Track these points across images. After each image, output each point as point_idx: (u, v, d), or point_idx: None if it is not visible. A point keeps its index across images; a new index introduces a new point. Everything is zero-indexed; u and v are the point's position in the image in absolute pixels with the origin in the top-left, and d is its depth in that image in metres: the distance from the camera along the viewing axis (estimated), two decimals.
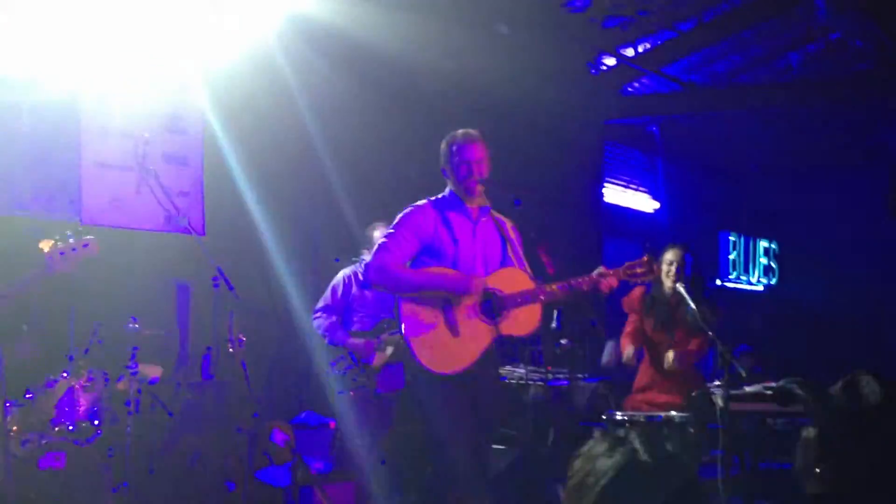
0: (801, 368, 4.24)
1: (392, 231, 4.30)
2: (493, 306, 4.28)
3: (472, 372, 4.20)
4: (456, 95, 7.42)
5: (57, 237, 4.43)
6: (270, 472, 5.43)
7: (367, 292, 5.90)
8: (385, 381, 5.71)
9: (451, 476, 4.18)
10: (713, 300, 5.60)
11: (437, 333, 4.20)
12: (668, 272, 5.49)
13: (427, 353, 4.15)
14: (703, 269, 5.69)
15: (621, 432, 1.84)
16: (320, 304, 6.01)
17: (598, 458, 1.79)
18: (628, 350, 5.56)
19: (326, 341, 5.91)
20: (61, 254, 4.37)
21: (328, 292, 6.02)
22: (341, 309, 5.98)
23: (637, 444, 1.78)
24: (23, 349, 4.80)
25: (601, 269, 4.40)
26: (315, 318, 5.98)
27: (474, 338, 4.26)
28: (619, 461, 1.76)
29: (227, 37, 6.29)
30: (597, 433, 5.31)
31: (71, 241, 4.43)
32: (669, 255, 5.55)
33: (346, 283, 6.00)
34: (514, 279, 4.36)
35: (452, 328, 4.22)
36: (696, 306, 5.14)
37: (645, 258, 4.41)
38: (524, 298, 4.31)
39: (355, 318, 5.95)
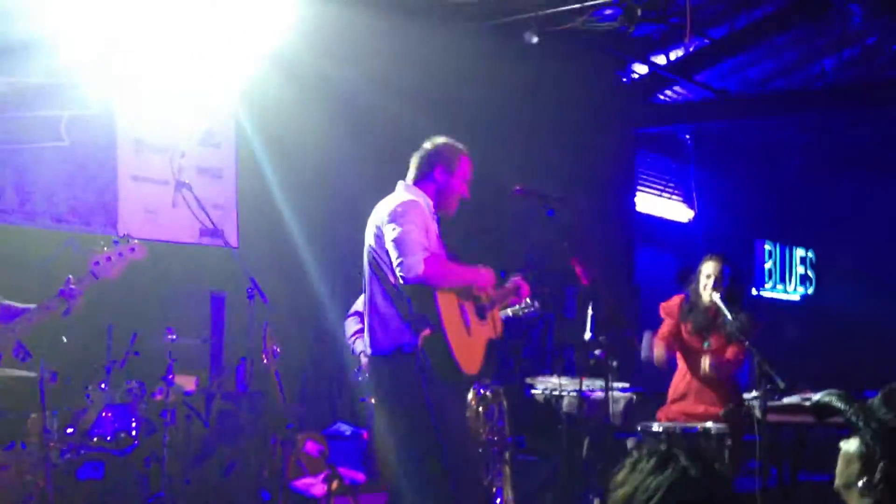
0: (839, 379, 4.19)
1: (411, 225, 4.06)
2: (483, 307, 4.30)
3: (477, 375, 4.22)
4: (488, 106, 7.43)
5: (102, 243, 4.44)
6: (305, 483, 5.44)
7: None
8: None
9: (470, 478, 4.12)
10: (752, 311, 5.53)
11: (461, 332, 4.15)
12: (705, 285, 5.41)
13: (457, 352, 4.06)
14: (742, 279, 5.62)
15: (664, 447, 1.83)
16: (352, 309, 5.99)
17: (647, 474, 1.78)
18: (659, 350, 5.50)
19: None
20: (108, 259, 4.37)
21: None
22: None
23: (685, 461, 1.78)
24: (62, 360, 4.86)
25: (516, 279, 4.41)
26: (346, 321, 5.96)
27: (479, 338, 4.26)
28: (671, 478, 1.75)
29: (261, 51, 6.35)
30: (632, 444, 5.27)
31: (117, 246, 4.42)
32: (707, 268, 5.46)
33: None
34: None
35: (467, 328, 4.20)
36: (734, 317, 5.09)
37: (510, 284, 4.38)
38: (503, 299, 4.33)
39: None
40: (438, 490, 4.04)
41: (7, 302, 4.44)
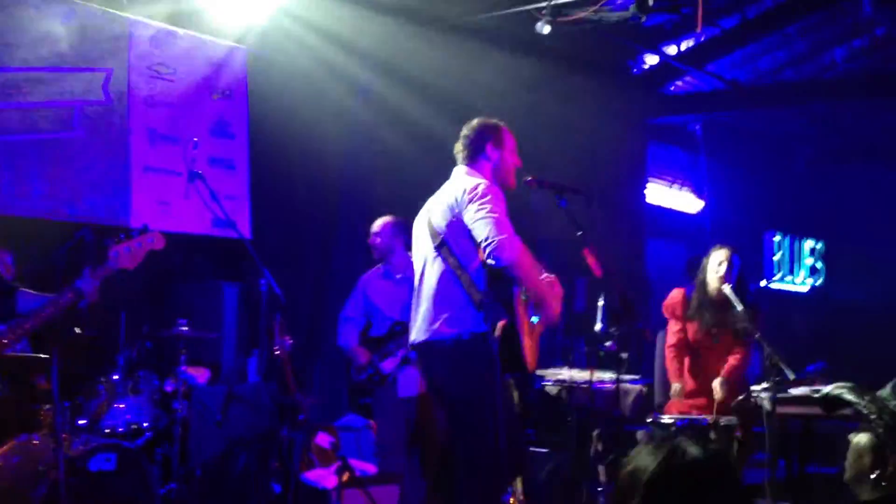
0: (848, 372, 4.18)
1: (497, 206, 3.98)
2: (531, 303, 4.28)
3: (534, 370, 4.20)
4: (498, 96, 7.42)
5: (121, 233, 4.42)
6: (316, 475, 5.46)
7: (376, 295, 5.85)
8: (405, 386, 5.68)
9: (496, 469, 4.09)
10: (756, 305, 5.53)
11: (526, 326, 4.10)
12: (717, 272, 5.41)
13: (525, 345, 4.02)
14: (747, 276, 5.62)
15: (671, 433, 1.84)
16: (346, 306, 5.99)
17: (647, 454, 1.79)
18: (675, 387, 5.51)
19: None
20: (126, 249, 4.36)
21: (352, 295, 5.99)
22: (364, 312, 5.93)
23: (683, 442, 1.78)
24: (74, 351, 4.87)
25: None
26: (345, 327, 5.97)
27: (535, 334, 4.21)
28: (664, 455, 1.76)
29: (273, 41, 6.35)
30: (642, 436, 5.27)
31: (136, 235, 4.40)
32: (718, 255, 5.47)
33: (368, 287, 5.93)
34: None
35: (530, 323, 4.16)
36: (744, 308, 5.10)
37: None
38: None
39: (373, 323, 5.93)
40: (487, 478, 4.00)
41: (29, 291, 4.45)
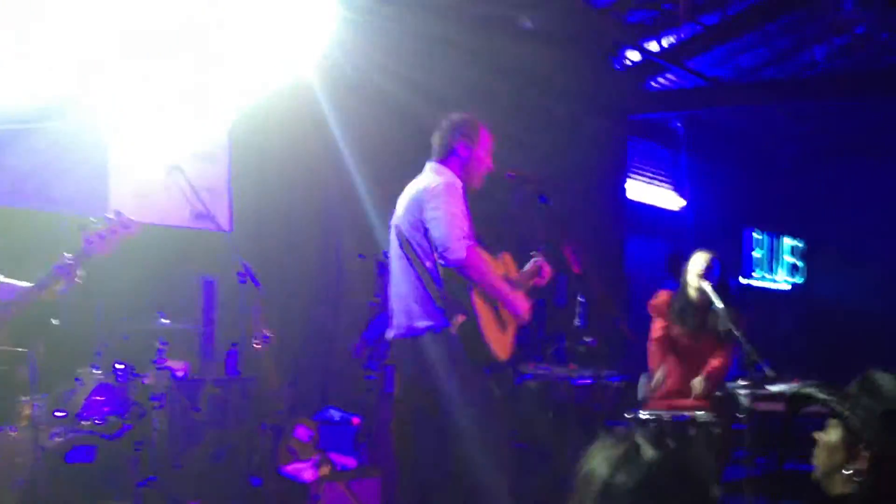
0: (829, 369, 4.22)
1: (453, 206, 4.01)
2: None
3: (509, 361, 4.22)
4: (477, 91, 7.41)
5: (95, 222, 4.39)
6: (295, 468, 5.46)
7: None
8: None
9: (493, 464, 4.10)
10: (739, 305, 5.57)
11: (492, 317, 4.13)
12: (697, 272, 5.45)
13: (489, 336, 4.05)
14: (729, 278, 5.66)
15: (629, 431, 1.80)
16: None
17: (598, 457, 1.76)
18: (658, 375, 5.53)
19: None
20: (101, 237, 4.33)
21: None
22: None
23: (640, 441, 1.75)
24: (52, 343, 4.85)
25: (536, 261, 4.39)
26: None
27: (511, 324, 4.25)
28: (617, 456, 1.73)
29: (255, 37, 6.32)
30: (621, 432, 5.27)
31: (111, 222, 4.37)
32: (697, 259, 5.52)
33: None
34: (505, 266, 4.41)
35: (497, 312, 4.17)
36: (724, 306, 5.12)
37: (532, 266, 4.35)
38: (526, 281, 4.34)
39: None
40: (447, 472, 4.05)
41: (7, 280, 4.42)
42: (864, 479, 2.34)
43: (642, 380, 5.76)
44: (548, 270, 4.42)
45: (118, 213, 4.45)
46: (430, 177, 4.19)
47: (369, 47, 6.73)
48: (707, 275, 5.38)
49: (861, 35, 9.32)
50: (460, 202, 4.06)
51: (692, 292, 5.47)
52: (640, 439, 1.75)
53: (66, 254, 4.29)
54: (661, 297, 5.67)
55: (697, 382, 5.36)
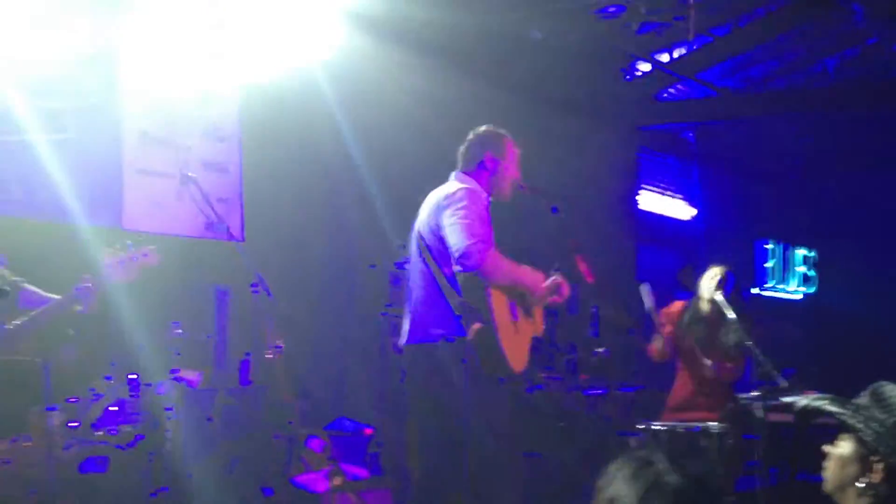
0: (840, 379, 4.21)
1: (471, 213, 4.02)
2: (529, 305, 4.29)
3: (523, 373, 4.21)
4: (489, 102, 7.43)
5: (118, 246, 4.44)
6: (307, 478, 5.46)
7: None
8: None
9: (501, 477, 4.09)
10: (752, 316, 5.57)
11: (509, 328, 4.12)
12: (710, 285, 5.46)
13: (506, 347, 4.03)
14: (743, 291, 5.66)
15: (648, 453, 1.81)
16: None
17: (622, 482, 1.77)
18: (658, 343, 5.51)
19: None
20: (121, 263, 4.39)
21: None
22: None
23: (662, 466, 1.77)
24: (68, 354, 4.87)
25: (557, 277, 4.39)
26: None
27: (525, 335, 4.24)
28: (643, 487, 1.75)
29: (266, 45, 6.36)
30: (635, 442, 5.25)
31: (131, 250, 4.43)
32: (713, 271, 5.53)
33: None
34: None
35: (515, 324, 4.17)
36: (737, 318, 5.12)
37: (551, 283, 4.33)
38: (544, 298, 4.33)
39: None
40: (458, 482, 4.02)
41: (32, 288, 4.46)
42: (879, 492, 2.34)
43: (644, 289, 5.67)
44: (566, 289, 4.40)
45: (137, 240, 4.51)
46: (451, 185, 4.23)
47: (381, 60, 6.76)
48: (721, 287, 5.38)
49: (872, 46, 9.31)
50: (481, 209, 4.09)
51: (704, 305, 5.49)
52: (660, 465, 1.76)
53: (85, 276, 4.34)
54: (675, 307, 5.68)
55: (707, 364, 5.36)
